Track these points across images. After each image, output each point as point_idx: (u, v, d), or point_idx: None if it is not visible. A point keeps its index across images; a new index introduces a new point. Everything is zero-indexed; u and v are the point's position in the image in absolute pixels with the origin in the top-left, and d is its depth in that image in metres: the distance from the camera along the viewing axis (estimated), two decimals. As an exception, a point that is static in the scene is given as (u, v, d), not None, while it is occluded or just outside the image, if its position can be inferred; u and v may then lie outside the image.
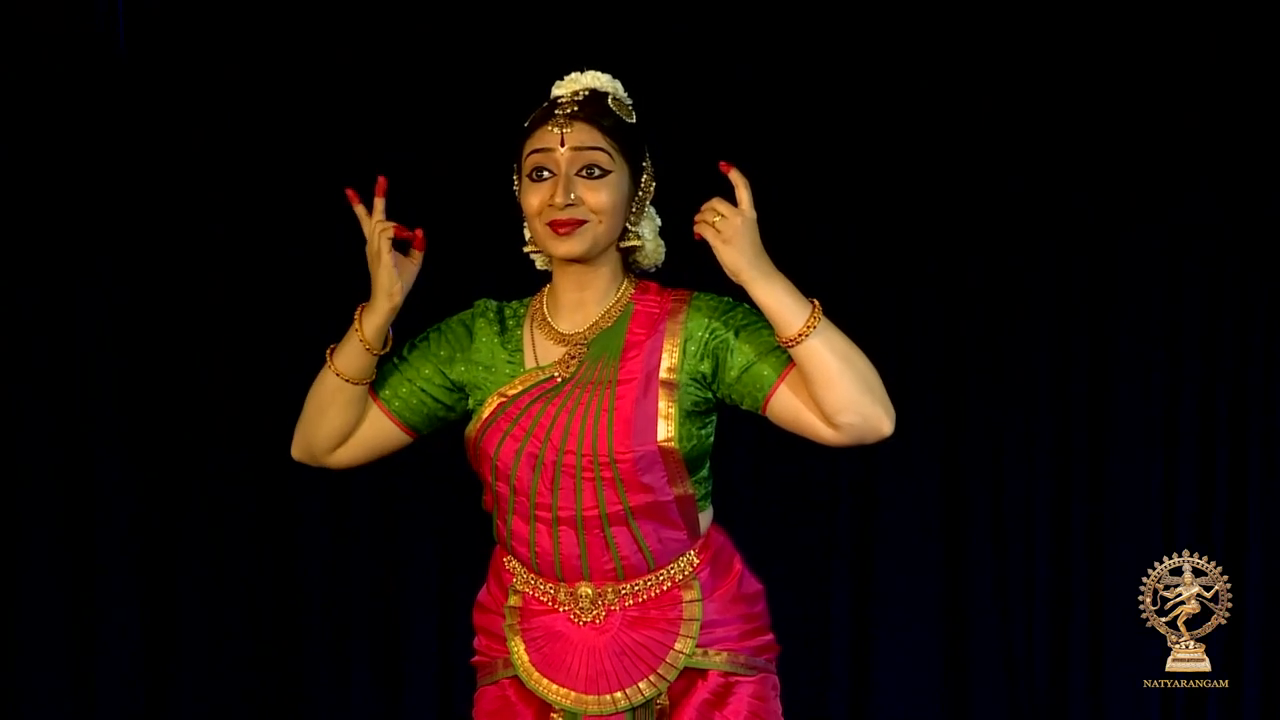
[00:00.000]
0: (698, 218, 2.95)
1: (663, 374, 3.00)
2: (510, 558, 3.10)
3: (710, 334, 3.02)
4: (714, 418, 3.07)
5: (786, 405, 2.98)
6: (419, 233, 3.07)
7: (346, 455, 3.16)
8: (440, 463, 4.81)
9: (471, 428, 3.06)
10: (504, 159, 5.15)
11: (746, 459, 5.21)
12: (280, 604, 5.24)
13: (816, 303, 2.94)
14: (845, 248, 5.27)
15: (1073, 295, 5.24)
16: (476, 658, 3.16)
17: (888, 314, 5.26)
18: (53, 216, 5.16)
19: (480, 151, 5.24)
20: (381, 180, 3.01)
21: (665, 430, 2.99)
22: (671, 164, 5.16)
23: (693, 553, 3.06)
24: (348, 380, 3.08)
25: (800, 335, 2.91)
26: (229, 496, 5.22)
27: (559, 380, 3.02)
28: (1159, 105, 5.19)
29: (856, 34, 5.23)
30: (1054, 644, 5.23)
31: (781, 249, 5.19)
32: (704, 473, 3.07)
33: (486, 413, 3.04)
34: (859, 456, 5.25)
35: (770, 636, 3.12)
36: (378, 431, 3.14)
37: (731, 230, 2.93)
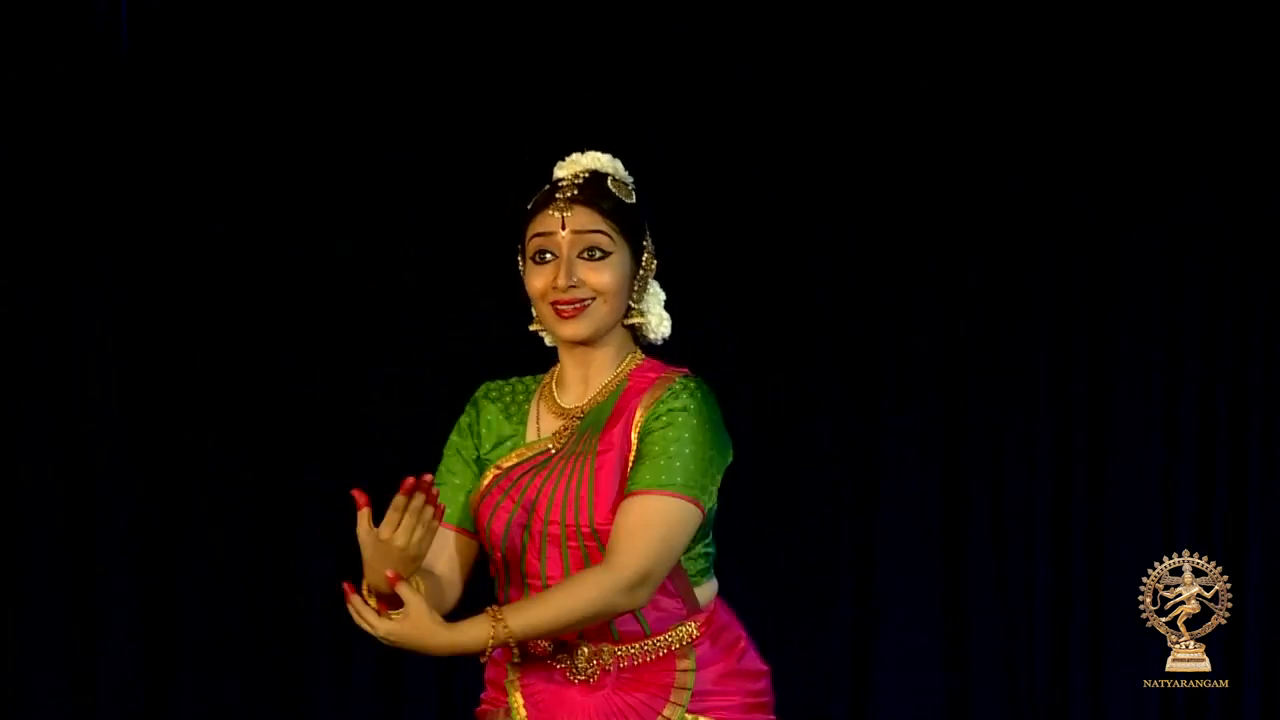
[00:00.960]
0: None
1: (634, 450, 3.02)
2: None
3: (644, 435, 3.03)
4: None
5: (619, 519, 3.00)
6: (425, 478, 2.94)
7: (449, 594, 3.15)
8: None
9: (472, 498, 3.10)
10: (500, 159, 5.20)
11: (748, 459, 5.21)
12: (280, 604, 5.24)
13: (491, 615, 2.92)
14: (845, 248, 5.27)
15: (1072, 295, 5.24)
16: (481, 707, 3.17)
17: (888, 314, 5.27)
18: (53, 216, 5.16)
19: (479, 152, 5.27)
20: (360, 496, 2.92)
21: None
22: (672, 164, 5.20)
23: (693, 624, 3.08)
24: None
25: (497, 639, 2.91)
26: (229, 496, 5.22)
27: (551, 452, 3.07)
28: (1159, 105, 5.19)
29: (857, 34, 5.23)
30: (1054, 644, 5.23)
31: (782, 249, 5.24)
32: (698, 546, 3.08)
33: (484, 484, 3.08)
34: (860, 458, 5.26)
35: (770, 717, 3.13)
36: (447, 549, 3.13)
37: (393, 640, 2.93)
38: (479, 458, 3.13)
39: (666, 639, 3.05)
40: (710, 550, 3.11)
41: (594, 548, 3.00)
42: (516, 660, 3.06)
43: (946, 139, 5.23)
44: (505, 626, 2.90)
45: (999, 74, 5.21)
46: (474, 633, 2.90)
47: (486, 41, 5.23)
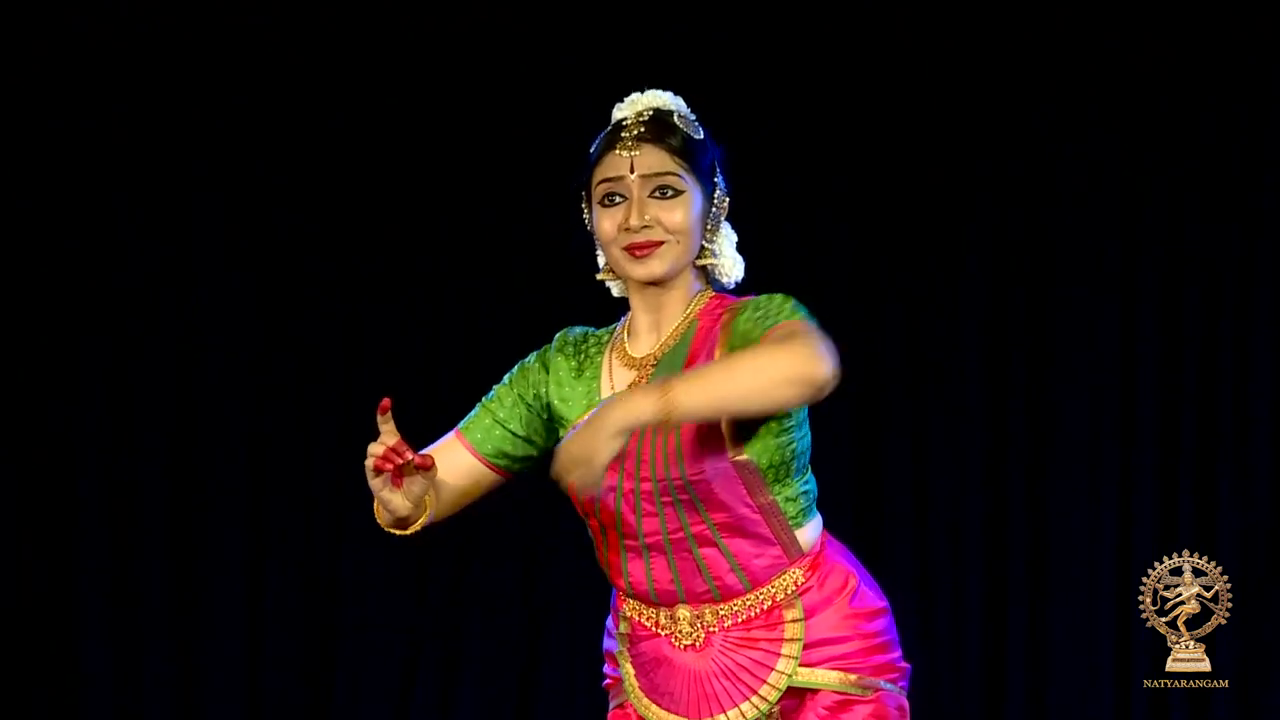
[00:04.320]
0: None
1: None
2: (619, 586, 3.03)
3: (741, 323, 2.91)
4: (796, 421, 2.94)
5: None
6: (414, 460, 2.87)
7: (444, 508, 3.08)
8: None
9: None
10: (496, 146, 5.21)
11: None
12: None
13: (662, 386, 2.72)
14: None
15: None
16: (607, 681, 3.10)
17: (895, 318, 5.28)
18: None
19: (477, 144, 5.28)
20: (385, 402, 2.84)
21: (732, 446, 2.89)
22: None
23: (798, 570, 2.95)
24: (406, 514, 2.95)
25: (672, 403, 2.70)
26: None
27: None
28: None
29: (853, 36, 5.25)
30: (1054, 644, 5.23)
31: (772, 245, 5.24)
32: (795, 484, 2.96)
33: None
34: (863, 459, 5.27)
35: (894, 655, 2.99)
36: (463, 469, 3.07)
37: (569, 470, 2.74)
38: (543, 405, 3.04)
39: (770, 590, 2.93)
40: (809, 488, 2.97)
41: (687, 500, 2.89)
42: (624, 630, 2.99)
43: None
44: (669, 390, 2.66)
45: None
46: (640, 394, 2.68)
47: (485, 43, 5.26)
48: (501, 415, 3.07)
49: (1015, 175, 5.21)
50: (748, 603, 2.93)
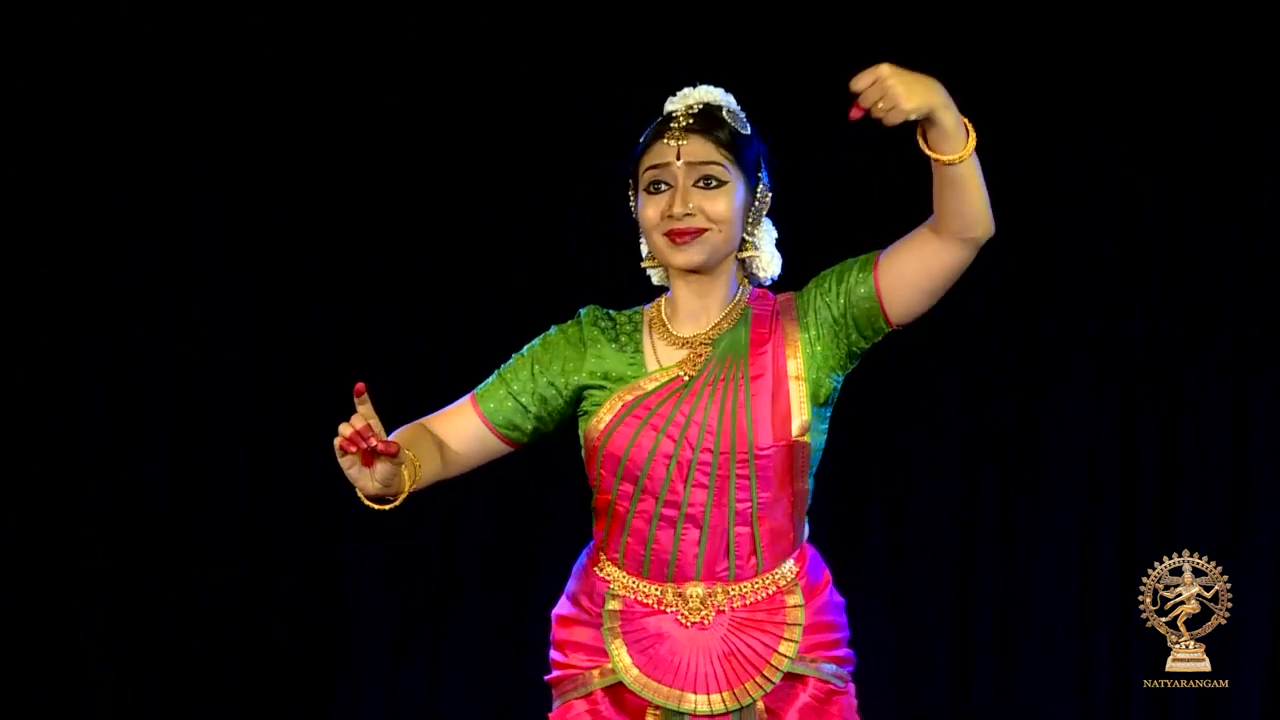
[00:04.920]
0: (858, 101, 2.86)
1: (791, 370, 3.06)
2: (605, 565, 3.11)
3: (815, 311, 3.08)
4: (828, 414, 3.10)
5: (894, 262, 3.04)
6: (378, 446, 2.89)
7: (450, 470, 3.15)
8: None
9: (593, 430, 3.07)
10: (492, 145, 5.21)
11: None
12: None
13: (969, 125, 2.92)
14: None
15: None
16: (556, 674, 3.15)
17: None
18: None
19: (476, 144, 5.28)
20: (360, 386, 2.92)
21: (799, 424, 3.04)
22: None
23: (792, 560, 3.10)
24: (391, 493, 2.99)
25: (967, 154, 2.91)
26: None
27: (686, 379, 3.07)
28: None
29: (853, 36, 5.25)
30: (1054, 644, 5.23)
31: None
32: (814, 472, 3.11)
33: (612, 414, 3.06)
34: (861, 457, 5.28)
35: (851, 652, 3.18)
36: (473, 435, 3.14)
37: (891, 93, 2.83)
38: (567, 383, 3.10)
39: (775, 575, 3.07)
40: (813, 484, 3.14)
41: (745, 474, 3.01)
42: (614, 608, 3.07)
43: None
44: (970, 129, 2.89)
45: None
46: (963, 126, 2.89)
47: (484, 45, 5.25)
48: (515, 387, 3.13)
49: (1015, 175, 5.20)
50: (755, 586, 3.06)
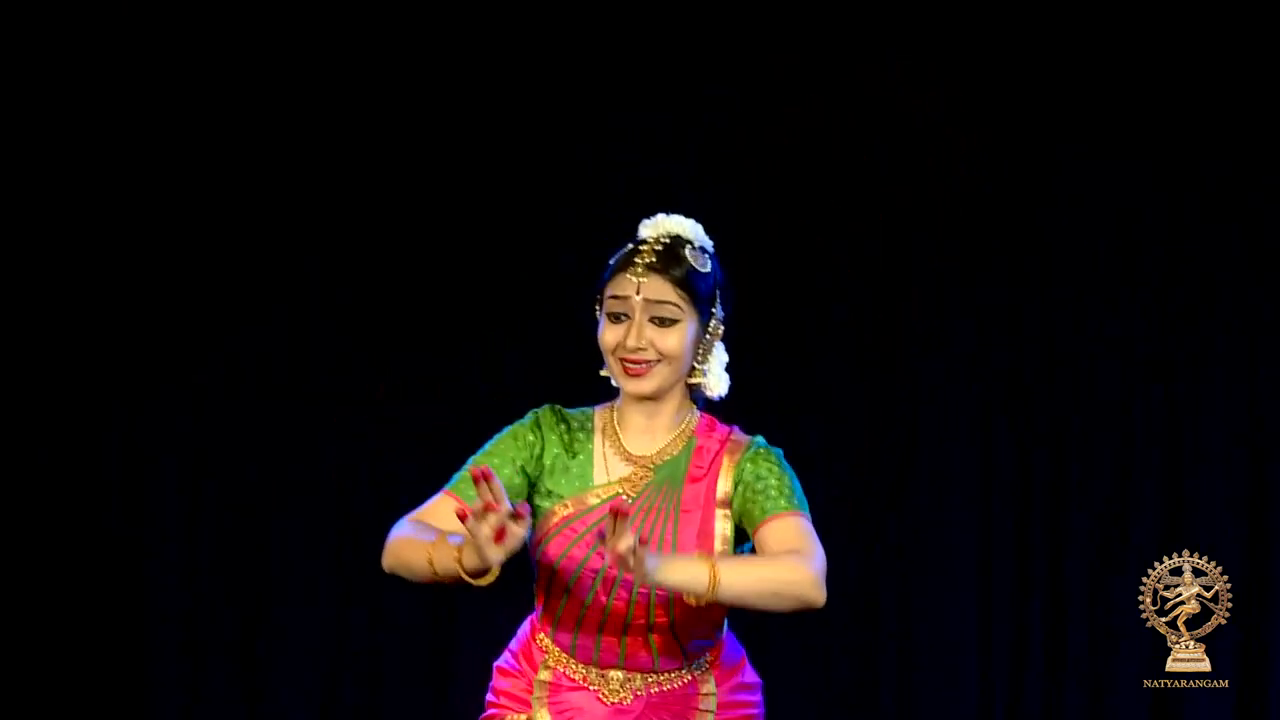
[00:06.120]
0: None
1: (719, 502, 3.25)
2: (545, 638, 3.32)
3: (747, 485, 3.24)
4: (749, 549, 3.26)
5: (758, 545, 3.21)
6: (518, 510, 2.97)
7: None
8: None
9: (536, 531, 3.24)
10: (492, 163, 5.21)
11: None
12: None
13: (710, 559, 3.03)
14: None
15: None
16: (490, 712, 3.35)
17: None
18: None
19: (477, 145, 5.28)
20: (486, 469, 2.94)
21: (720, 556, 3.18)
22: (665, 174, 5.21)
23: (710, 650, 3.32)
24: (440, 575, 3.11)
25: (709, 597, 3.00)
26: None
27: (627, 499, 3.24)
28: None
29: (852, 36, 5.25)
30: (1054, 644, 5.23)
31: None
32: None
33: (554, 521, 3.24)
34: (860, 456, 5.27)
35: None
36: (456, 526, 3.17)
37: (628, 566, 2.95)
38: (534, 476, 3.27)
39: (693, 666, 3.29)
40: None
41: (663, 596, 3.18)
42: (545, 679, 3.27)
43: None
44: (716, 580, 3.00)
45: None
46: (694, 570, 2.99)
47: (484, 48, 5.26)
48: (504, 482, 3.20)
49: (1015, 175, 5.20)
50: (674, 676, 3.27)
